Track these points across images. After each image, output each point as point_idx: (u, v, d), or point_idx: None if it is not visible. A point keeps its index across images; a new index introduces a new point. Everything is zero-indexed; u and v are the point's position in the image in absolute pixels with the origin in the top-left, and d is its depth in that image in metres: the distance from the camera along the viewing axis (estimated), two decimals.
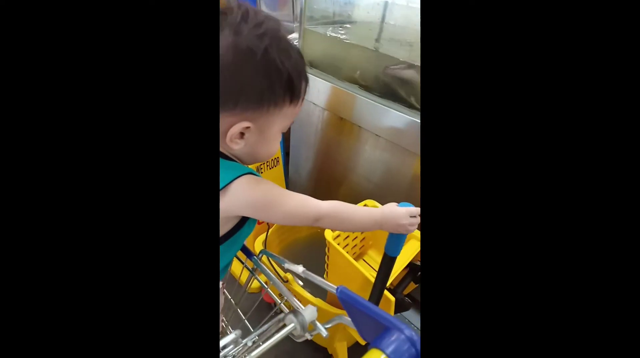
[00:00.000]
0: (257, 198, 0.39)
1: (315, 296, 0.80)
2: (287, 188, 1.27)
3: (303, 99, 0.42)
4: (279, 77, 0.36)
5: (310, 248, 1.08)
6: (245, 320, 0.51)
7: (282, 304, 0.42)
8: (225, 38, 0.33)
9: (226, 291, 0.58)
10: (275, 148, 0.43)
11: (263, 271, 0.43)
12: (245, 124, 0.37)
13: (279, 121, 0.40)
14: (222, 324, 0.61)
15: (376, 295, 0.56)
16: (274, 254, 0.44)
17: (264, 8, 1.46)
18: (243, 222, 0.43)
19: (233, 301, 0.55)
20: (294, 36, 1.21)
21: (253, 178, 0.39)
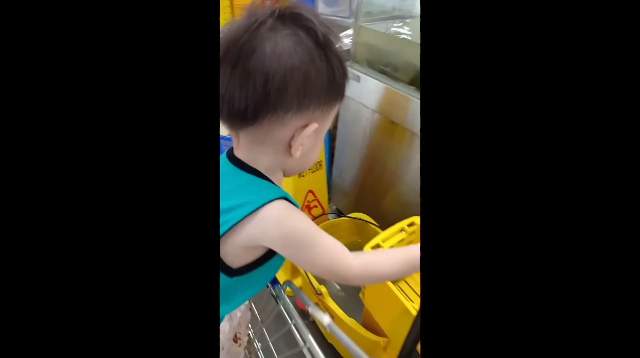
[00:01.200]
0: (286, 232, 0.33)
1: (349, 315, 0.75)
2: (330, 192, 1.22)
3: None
4: (338, 73, 0.33)
5: None
6: (270, 343, 0.47)
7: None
8: (288, 37, 0.30)
9: (254, 306, 0.55)
10: (319, 152, 0.39)
11: (284, 307, 0.38)
12: (315, 125, 0.34)
13: (328, 121, 0.37)
14: (248, 337, 0.59)
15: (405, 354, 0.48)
16: (299, 290, 0.39)
17: (321, 4, 1.42)
18: (272, 254, 0.37)
19: (259, 318, 0.52)
20: (348, 33, 1.15)
21: (288, 206, 0.34)
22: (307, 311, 0.36)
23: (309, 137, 0.34)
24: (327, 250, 0.35)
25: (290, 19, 0.31)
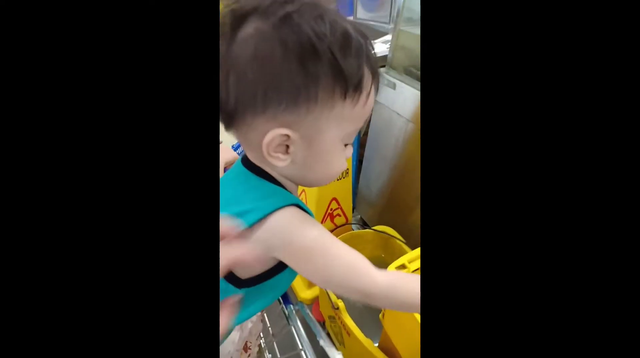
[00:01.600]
0: (297, 241, 0.30)
1: (366, 334, 0.70)
2: (354, 201, 1.18)
3: (372, 93, 0.31)
4: (317, 59, 0.26)
5: None
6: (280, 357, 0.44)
7: None
8: (249, 26, 0.27)
9: (266, 317, 0.52)
10: (338, 166, 0.33)
11: (295, 330, 0.35)
12: (282, 131, 0.28)
13: (334, 126, 0.30)
14: (259, 347, 0.56)
15: None
16: (313, 318, 0.35)
17: (361, 9, 1.39)
18: (283, 266, 0.34)
19: (271, 331, 0.49)
20: (387, 38, 1.11)
21: (299, 214, 0.31)
22: (318, 339, 0.32)
23: (296, 145, 0.29)
24: (345, 262, 0.31)
25: (273, 11, 0.27)
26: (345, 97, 0.28)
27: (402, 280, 0.33)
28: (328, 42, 0.26)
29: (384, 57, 0.97)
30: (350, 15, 1.47)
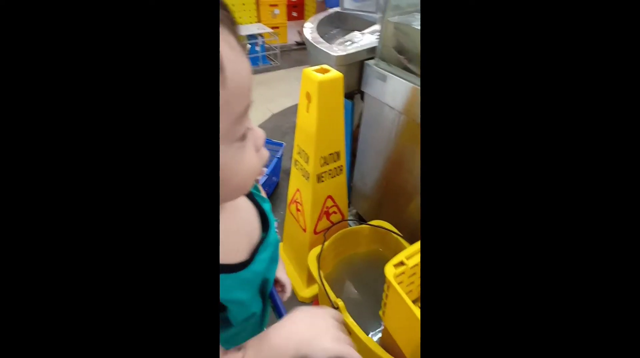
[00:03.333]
0: None
1: (365, 328, 0.70)
2: (349, 195, 1.17)
3: (231, 61, 0.21)
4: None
5: (368, 266, 0.97)
6: None
7: None
8: None
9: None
10: (245, 169, 0.26)
11: None
12: None
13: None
14: None
15: None
16: None
17: None
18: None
19: None
20: (375, 28, 1.08)
21: None
22: None
23: None
24: None
25: None
26: None
27: None
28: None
29: (373, 49, 0.95)
30: (336, 5, 1.44)
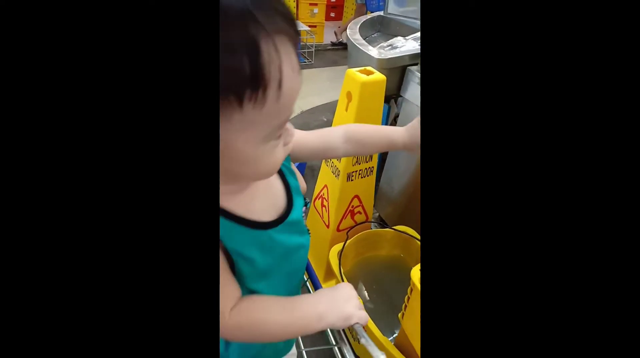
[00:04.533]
0: None
1: (384, 334, 0.71)
2: (375, 198, 1.18)
3: (289, 78, 0.24)
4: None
5: (387, 270, 0.97)
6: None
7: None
8: None
9: None
10: (270, 164, 0.29)
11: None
12: None
13: (242, 136, 0.25)
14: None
15: None
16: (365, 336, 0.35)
17: (392, 3, 1.37)
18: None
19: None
20: (417, 35, 1.09)
21: None
22: (359, 342, 0.33)
23: None
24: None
25: None
26: (241, 105, 0.23)
27: (250, 321, 0.33)
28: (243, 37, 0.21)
29: (416, 55, 0.95)
30: (377, 9, 1.44)
